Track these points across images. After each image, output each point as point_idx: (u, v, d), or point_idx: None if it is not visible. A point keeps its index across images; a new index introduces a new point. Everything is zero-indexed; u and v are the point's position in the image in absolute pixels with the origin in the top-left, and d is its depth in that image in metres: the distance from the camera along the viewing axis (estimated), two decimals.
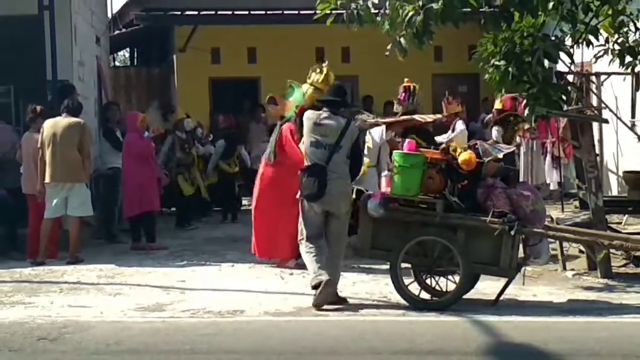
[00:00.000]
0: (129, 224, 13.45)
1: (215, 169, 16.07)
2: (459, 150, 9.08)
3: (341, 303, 9.14)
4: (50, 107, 12.50)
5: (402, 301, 9.03)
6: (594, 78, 13.54)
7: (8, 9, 13.09)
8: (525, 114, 15.17)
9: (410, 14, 9.06)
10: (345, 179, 9.22)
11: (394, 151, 9.15)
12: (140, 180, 12.94)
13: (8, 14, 13.11)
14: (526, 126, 15.45)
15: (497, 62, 9.43)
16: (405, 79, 11.96)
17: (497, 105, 14.39)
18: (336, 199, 9.15)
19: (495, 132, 14.04)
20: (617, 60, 10.65)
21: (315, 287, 8.98)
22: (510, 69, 9.33)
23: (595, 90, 13.42)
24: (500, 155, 9.25)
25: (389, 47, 9.48)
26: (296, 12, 18.31)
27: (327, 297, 8.94)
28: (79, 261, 11.71)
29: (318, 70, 11.31)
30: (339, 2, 9.27)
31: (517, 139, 16.56)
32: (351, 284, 10.04)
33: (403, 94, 12.02)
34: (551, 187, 16.89)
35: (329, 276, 8.94)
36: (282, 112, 11.52)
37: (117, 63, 29.57)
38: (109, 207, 13.86)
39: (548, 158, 16.78)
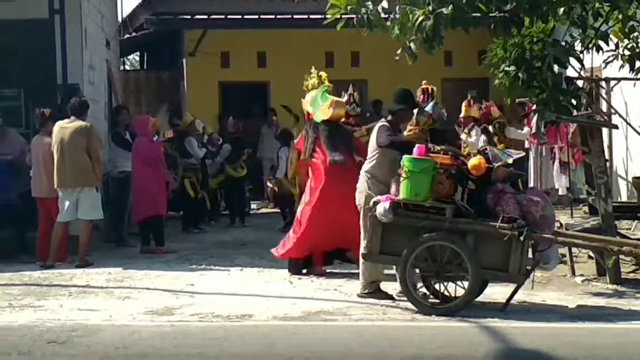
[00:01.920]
0: (138, 228, 13.47)
1: (222, 172, 16.07)
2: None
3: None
4: (59, 110, 12.52)
5: (411, 306, 9.03)
6: (603, 83, 13.50)
7: (19, 13, 13.12)
8: (534, 120, 15.33)
9: (420, 18, 9.04)
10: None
11: (404, 156, 9.12)
12: (149, 184, 12.96)
13: (19, 17, 13.15)
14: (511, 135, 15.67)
15: (507, 68, 9.40)
16: (423, 82, 11.90)
17: (464, 112, 15.03)
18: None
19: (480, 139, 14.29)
20: (627, 66, 10.62)
21: None
22: (520, 74, 9.29)
23: (605, 96, 13.39)
24: (510, 161, 9.24)
25: (398, 51, 9.47)
26: (306, 16, 18.32)
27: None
28: (88, 265, 11.73)
29: (310, 77, 11.49)
30: (349, 7, 9.26)
31: (526, 143, 16.63)
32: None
33: (422, 96, 12.02)
34: (560, 193, 16.86)
35: None
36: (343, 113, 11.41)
37: (127, 67, 29.59)
38: (118, 211, 13.87)
39: (556, 163, 16.76)
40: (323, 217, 10.82)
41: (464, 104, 16.15)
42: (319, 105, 11.24)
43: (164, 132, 15.29)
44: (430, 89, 12.15)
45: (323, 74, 11.63)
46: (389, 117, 9.89)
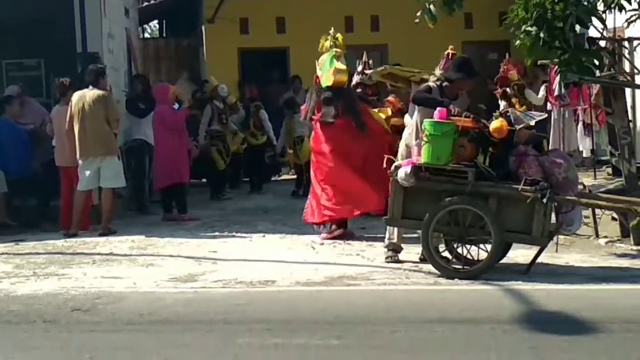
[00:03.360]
0: (160, 195, 13.50)
1: (242, 140, 16.02)
2: None
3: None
4: (79, 79, 12.52)
5: (434, 270, 9.02)
6: (626, 43, 13.36)
7: None
8: (556, 81, 15.16)
9: None
10: None
11: (425, 120, 9.07)
12: (171, 152, 12.98)
13: None
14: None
15: (528, 28, 9.31)
16: (450, 47, 11.76)
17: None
18: None
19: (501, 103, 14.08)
20: None
21: None
22: (541, 34, 9.21)
23: (627, 56, 13.26)
24: (532, 123, 9.17)
25: (418, 14, 9.41)
26: None
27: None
28: (111, 233, 11.78)
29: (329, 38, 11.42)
30: None
31: (548, 105, 16.48)
32: (382, 253, 10.02)
33: (443, 61, 11.91)
34: (583, 154, 16.76)
35: None
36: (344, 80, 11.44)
37: (146, 34, 29.57)
38: (137, 179, 13.88)
39: (580, 125, 16.63)
40: (332, 175, 11.11)
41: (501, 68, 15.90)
42: (327, 69, 11.22)
43: (187, 99, 15.28)
44: (452, 55, 12.00)
45: (339, 35, 11.54)
46: (446, 84, 9.61)
